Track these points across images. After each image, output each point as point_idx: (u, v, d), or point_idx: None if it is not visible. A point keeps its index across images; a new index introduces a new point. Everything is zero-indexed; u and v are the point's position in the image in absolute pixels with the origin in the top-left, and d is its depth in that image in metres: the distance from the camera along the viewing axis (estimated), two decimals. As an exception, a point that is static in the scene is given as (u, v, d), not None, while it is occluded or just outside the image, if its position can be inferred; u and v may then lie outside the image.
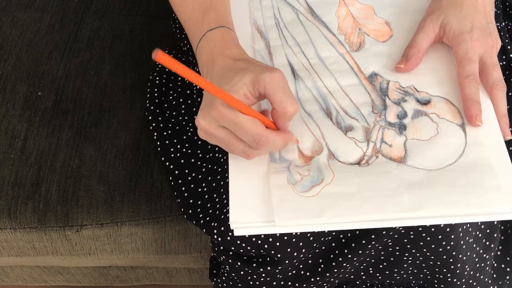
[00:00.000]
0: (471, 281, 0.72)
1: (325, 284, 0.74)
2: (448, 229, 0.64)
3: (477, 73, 0.63)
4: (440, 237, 0.64)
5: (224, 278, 0.77)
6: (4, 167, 0.83)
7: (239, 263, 0.70)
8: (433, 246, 0.66)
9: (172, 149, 0.79)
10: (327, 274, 0.71)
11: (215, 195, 0.71)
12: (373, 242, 0.66)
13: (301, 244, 0.66)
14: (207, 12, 0.64)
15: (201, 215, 0.72)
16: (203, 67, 0.62)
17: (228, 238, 0.66)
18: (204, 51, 0.62)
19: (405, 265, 0.71)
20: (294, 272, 0.72)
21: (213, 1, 0.65)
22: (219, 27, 0.62)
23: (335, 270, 0.70)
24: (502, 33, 0.74)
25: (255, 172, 0.60)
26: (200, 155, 0.77)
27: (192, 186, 0.75)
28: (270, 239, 0.65)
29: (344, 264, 0.69)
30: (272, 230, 0.57)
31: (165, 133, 0.81)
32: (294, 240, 0.65)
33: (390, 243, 0.68)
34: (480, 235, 0.69)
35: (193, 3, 0.66)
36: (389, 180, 0.58)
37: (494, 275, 0.75)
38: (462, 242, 0.66)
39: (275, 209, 0.57)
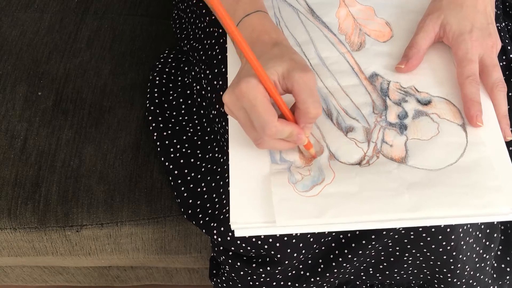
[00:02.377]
0: (471, 281, 0.72)
1: (325, 284, 0.74)
2: (448, 230, 0.64)
3: (477, 73, 0.63)
4: (440, 237, 0.64)
5: (224, 278, 0.77)
6: (4, 167, 0.83)
7: (239, 263, 0.70)
8: (433, 246, 0.66)
9: (171, 149, 0.79)
10: (327, 274, 0.71)
11: (214, 195, 0.71)
12: (373, 243, 0.66)
13: (301, 244, 0.66)
14: None
15: (200, 215, 0.72)
16: (239, 54, 0.62)
17: (228, 238, 0.66)
18: None
19: (405, 265, 0.71)
20: (294, 272, 0.72)
21: None
22: (256, 11, 0.62)
23: (335, 270, 0.70)
24: (502, 34, 0.74)
25: (256, 172, 0.60)
26: (200, 155, 0.77)
27: (191, 186, 0.75)
28: (270, 240, 0.65)
29: (344, 264, 0.69)
30: (272, 231, 0.57)
31: (165, 133, 0.81)
32: (294, 240, 0.65)
33: (390, 243, 0.68)
34: (480, 235, 0.69)
35: None
36: (389, 180, 0.58)
37: (494, 275, 0.75)
38: (462, 243, 0.66)
39: (275, 209, 0.56)
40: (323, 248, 0.70)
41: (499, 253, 0.75)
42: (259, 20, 0.61)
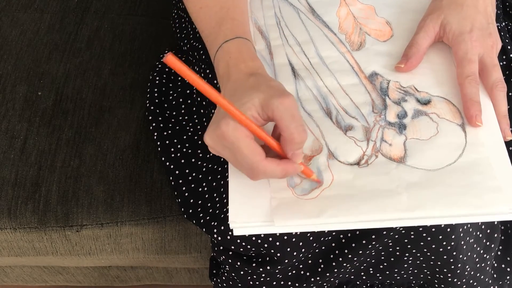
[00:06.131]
0: (471, 281, 0.72)
1: (325, 284, 0.74)
2: (448, 229, 0.64)
3: (477, 73, 0.63)
4: (440, 237, 0.64)
5: (224, 278, 0.77)
6: (4, 167, 0.83)
7: (239, 263, 0.70)
8: (433, 246, 0.66)
9: (172, 149, 0.79)
10: (327, 274, 0.70)
11: (215, 195, 0.71)
12: (373, 242, 0.66)
13: (301, 243, 0.66)
14: (223, 22, 0.63)
15: (201, 215, 0.72)
16: (219, 80, 0.61)
17: (228, 237, 0.66)
18: (221, 64, 0.61)
19: (405, 265, 0.71)
20: (294, 272, 0.72)
21: (230, 10, 0.64)
22: (235, 38, 0.61)
23: (335, 270, 0.70)
24: (502, 33, 0.74)
25: None
26: (201, 155, 0.77)
27: (192, 185, 0.75)
28: (270, 239, 0.65)
29: (344, 264, 0.69)
30: (271, 230, 0.57)
31: (165, 133, 0.81)
32: (294, 239, 0.65)
33: (390, 243, 0.68)
34: (480, 235, 0.69)
35: (210, 13, 0.65)
36: (388, 180, 0.58)
37: (495, 275, 0.75)
38: (462, 243, 0.66)
39: (274, 212, 0.57)
40: (323, 248, 0.70)
41: (499, 253, 0.75)
42: (237, 47, 0.60)
